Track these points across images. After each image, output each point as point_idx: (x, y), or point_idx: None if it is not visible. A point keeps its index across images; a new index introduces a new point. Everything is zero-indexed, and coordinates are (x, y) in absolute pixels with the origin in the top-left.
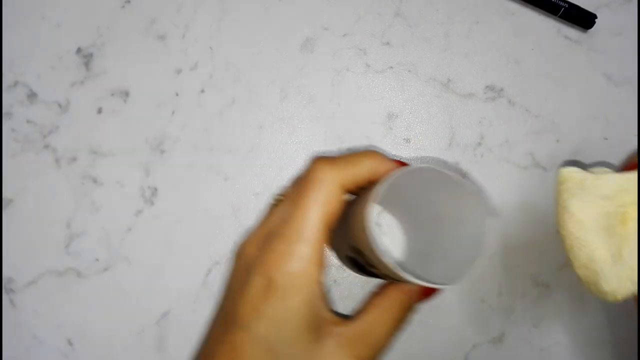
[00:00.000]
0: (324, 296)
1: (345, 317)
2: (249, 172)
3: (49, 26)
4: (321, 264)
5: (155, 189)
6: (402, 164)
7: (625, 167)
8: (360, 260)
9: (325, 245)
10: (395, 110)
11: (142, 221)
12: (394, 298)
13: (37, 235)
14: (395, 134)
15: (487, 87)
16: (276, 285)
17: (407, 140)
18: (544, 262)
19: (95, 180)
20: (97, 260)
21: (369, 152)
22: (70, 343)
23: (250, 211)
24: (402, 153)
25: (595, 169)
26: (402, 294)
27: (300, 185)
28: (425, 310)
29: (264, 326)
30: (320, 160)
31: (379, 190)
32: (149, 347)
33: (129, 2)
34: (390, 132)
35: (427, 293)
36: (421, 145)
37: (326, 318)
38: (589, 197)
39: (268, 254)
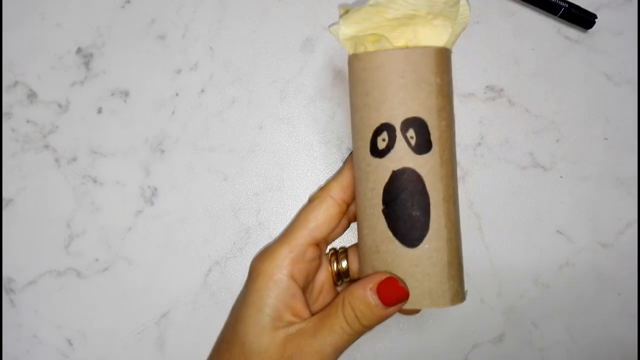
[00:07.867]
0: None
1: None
2: (249, 172)
3: (49, 26)
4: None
5: (155, 189)
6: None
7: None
8: None
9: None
10: None
11: (142, 221)
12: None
13: (37, 235)
14: None
15: (487, 87)
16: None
17: None
18: (544, 262)
19: (95, 180)
20: (97, 260)
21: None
22: (70, 343)
23: (250, 211)
24: None
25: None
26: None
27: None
28: (425, 310)
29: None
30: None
31: None
32: (149, 347)
33: (129, 2)
34: None
35: None
36: None
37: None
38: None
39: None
